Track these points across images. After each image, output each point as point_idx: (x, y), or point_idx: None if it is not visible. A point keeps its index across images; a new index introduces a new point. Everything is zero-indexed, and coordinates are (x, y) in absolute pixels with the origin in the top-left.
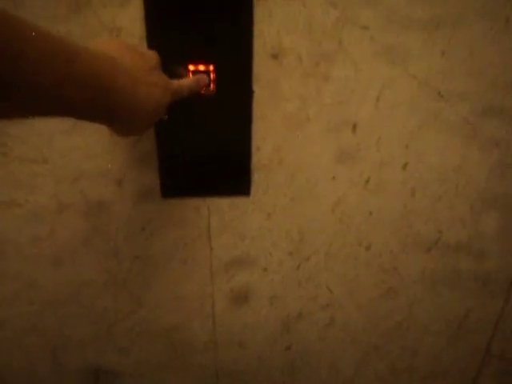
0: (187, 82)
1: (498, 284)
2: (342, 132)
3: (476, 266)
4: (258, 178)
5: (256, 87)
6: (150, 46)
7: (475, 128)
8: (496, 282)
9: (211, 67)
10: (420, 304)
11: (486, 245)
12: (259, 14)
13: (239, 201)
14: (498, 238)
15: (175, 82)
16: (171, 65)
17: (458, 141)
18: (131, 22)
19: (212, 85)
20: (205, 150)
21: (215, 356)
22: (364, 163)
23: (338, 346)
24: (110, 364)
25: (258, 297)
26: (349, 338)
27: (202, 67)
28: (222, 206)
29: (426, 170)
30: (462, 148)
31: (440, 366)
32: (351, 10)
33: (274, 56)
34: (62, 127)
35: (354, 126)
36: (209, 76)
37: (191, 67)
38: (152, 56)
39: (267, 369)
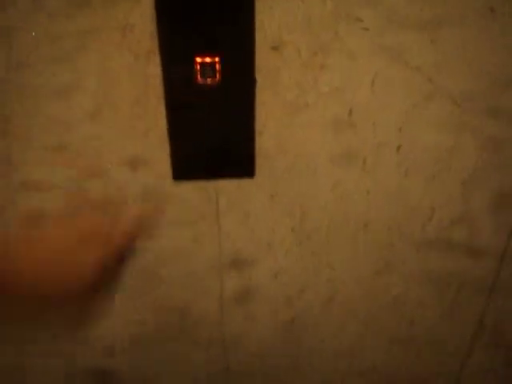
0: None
1: (490, 258)
2: (339, 117)
3: (468, 240)
4: (260, 161)
5: (258, 76)
6: (161, 40)
7: (465, 111)
8: (488, 256)
9: (216, 58)
10: (415, 278)
11: (478, 220)
12: (260, 8)
13: (244, 182)
14: (488, 213)
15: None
16: (179, 62)
17: (451, 124)
18: (142, 18)
19: (218, 75)
20: (212, 136)
21: (222, 327)
22: (361, 145)
23: (340, 319)
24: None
25: (263, 271)
26: (350, 311)
27: (208, 59)
28: (228, 187)
29: (420, 151)
30: (455, 130)
31: (435, 338)
32: (346, 2)
33: (275, 48)
34: (82, 117)
35: (350, 111)
36: (214, 69)
37: (198, 59)
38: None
39: (272, 338)
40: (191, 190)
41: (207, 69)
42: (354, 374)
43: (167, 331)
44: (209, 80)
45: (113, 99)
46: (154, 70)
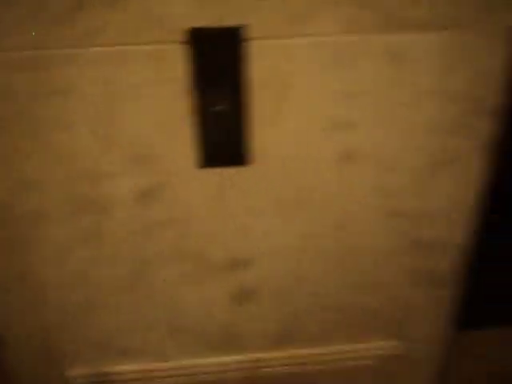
0: None
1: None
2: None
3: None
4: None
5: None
6: (194, 84)
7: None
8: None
9: (226, 94)
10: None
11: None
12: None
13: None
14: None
15: None
16: (203, 97)
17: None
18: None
19: (226, 104)
20: (222, 141)
21: None
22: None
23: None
24: None
25: None
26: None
27: (220, 95)
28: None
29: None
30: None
31: None
32: None
33: None
34: (150, 132)
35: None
36: (223, 100)
37: (214, 95)
38: None
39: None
40: (210, 174)
41: (219, 100)
42: None
43: None
44: (220, 107)
45: (171, 120)
46: (188, 102)
